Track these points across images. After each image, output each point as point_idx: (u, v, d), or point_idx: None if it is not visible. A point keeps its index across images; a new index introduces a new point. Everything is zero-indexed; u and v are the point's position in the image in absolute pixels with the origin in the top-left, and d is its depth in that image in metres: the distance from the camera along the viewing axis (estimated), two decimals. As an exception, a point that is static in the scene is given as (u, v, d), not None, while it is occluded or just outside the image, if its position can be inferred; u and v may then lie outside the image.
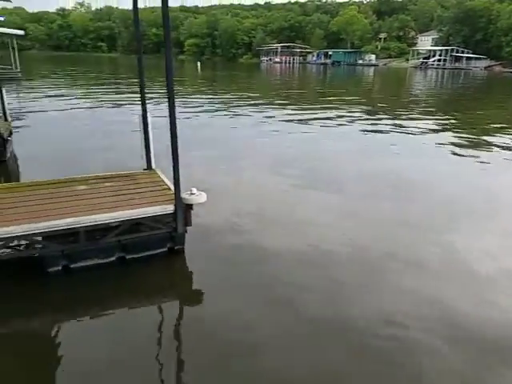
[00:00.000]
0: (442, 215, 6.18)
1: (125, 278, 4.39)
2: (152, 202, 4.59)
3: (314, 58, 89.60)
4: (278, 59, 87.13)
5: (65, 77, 34.03)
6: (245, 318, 3.75)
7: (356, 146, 10.86)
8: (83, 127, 12.62)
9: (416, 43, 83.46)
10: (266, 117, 15.74)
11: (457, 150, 10.60)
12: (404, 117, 16.30)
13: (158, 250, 4.68)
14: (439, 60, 69.44)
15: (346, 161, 9.31)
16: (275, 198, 6.86)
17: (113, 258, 4.51)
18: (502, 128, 14.14)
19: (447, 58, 68.57)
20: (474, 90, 32.77)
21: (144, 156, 5.77)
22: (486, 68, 61.26)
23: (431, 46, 76.47)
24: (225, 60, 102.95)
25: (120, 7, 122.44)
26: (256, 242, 5.21)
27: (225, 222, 5.74)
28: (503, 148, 10.82)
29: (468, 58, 65.83)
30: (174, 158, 4.43)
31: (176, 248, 4.76)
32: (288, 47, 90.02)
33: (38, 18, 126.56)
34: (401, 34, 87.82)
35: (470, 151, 10.50)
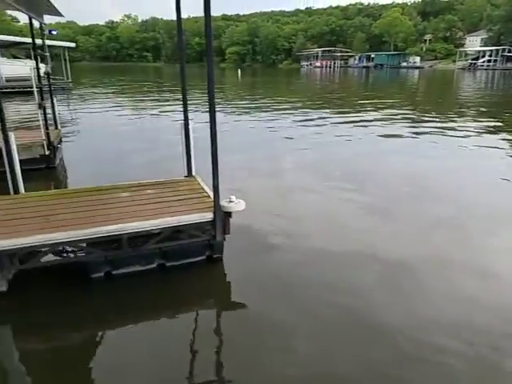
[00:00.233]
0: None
1: (165, 285, 4.40)
2: (191, 210, 4.58)
3: (356, 62, 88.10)
4: (318, 64, 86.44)
5: (112, 85, 35.56)
6: (287, 331, 3.62)
7: (404, 149, 10.48)
8: (127, 133, 13.07)
9: (464, 44, 79.99)
10: (307, 119, 15.59)
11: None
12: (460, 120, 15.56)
13: (197, 258, 4.66)
14: (489, 61, 66.18)
15: (395, 168, 8.94)
16: (321, 206, 6.68)
17: (153, 265, 4.53)
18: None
19: (498, 59, 65.19)
20: (529, 91, 30.82)
21: (185, 163, 5.81)
22: (541, 68, 57.65)
23: (480, 46, 72.91)
24: (265, 66, 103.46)
25: (165, 18, 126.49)
26: (298, 251, 5.08)
27: (265, 230, 5.63)
28: None
29: (521, 58, 62.25)
30: (213, 166, 4.40)
31: (214, 256, 4.72)
32: (329, 51, 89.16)
33: (89, 30, 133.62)
34: (447, 34, 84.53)
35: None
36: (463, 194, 7.27)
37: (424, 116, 17.33)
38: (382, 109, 19.22)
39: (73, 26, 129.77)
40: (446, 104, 22.68)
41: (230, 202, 4.47)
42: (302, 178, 8.25)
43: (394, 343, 3.47)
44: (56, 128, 9.13)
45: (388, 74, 59.10)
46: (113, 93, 28.80)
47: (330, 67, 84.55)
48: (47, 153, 8.06)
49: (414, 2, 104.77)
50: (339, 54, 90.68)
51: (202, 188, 5.32)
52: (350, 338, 3.54)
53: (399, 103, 21.89)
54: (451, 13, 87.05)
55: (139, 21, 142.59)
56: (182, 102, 5.67)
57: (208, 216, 4.48)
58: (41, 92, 8.02)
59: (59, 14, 7.48)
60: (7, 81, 24.19)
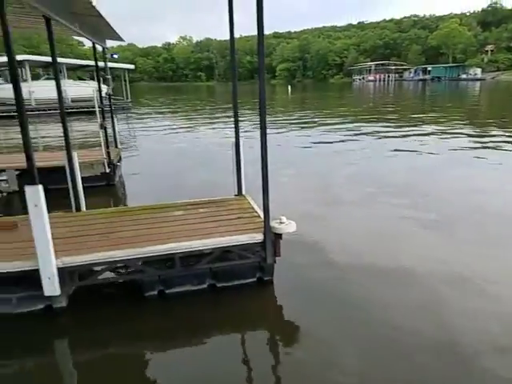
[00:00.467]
0: None
1: (215, 306, 4.37)
2: (241, 230, 4.55)
3: (412, 75, 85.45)
4: (371, 77, 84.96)
5: (167, 104, 37.18)
6: (344, 361, 3.43)
7: (463, 164, 9.86)
8: (181, 150, 13.48)
9: (530, 53, 74.99)
10: (358, 133, 15.24)
11: None
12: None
13: (248, 280, 4.60)
14: (561, 69, 61.30)
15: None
16: (375, 222, 6.43)
17: (204, 285, 4.53)
18: None
19: None
20: None
21: (235, 181, 5.83)
22: None
23: (550, 54, 67.96)
24: (315, 81, 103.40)
25: (218, 39, 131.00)
26: (353, 271, 4.88)
27: (318, 248, 5.48)
28: None
29: None
30: (263, 186, 4.33)
31: (265, 279, 4.63)
32: (382, 65, 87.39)
33: (147, 52, 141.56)
34: (511, 44, 79.78)
35: None
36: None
37: (486, 131, 16.31)
38: (440, 123, 18.36)
39: (132, 49, 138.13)
40: (511, 118, 21.19)
41: (281, 223, 4.38)
42: (354, 193, 8.01)
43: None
44: (116, 147, 9.61)
45: (446, 87, 56.62)
46: (168, 111, 30.09)
47: (384, 81, 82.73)
48: (107, 170, 8.49)
49: (474, 12, 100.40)
50: (393, 68, 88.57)
51: (252, 207, 5.29)
52: (414, 365, 3.29)
53: (459, 117, 20.80)
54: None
55: (194, 42, 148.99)
56: (233, 120, 5.72)
57: (258, 237, 4.42)
58: (102, 112, 8.49)
59: (120, 39, 7.94)
60: (73, 101, 26.07)
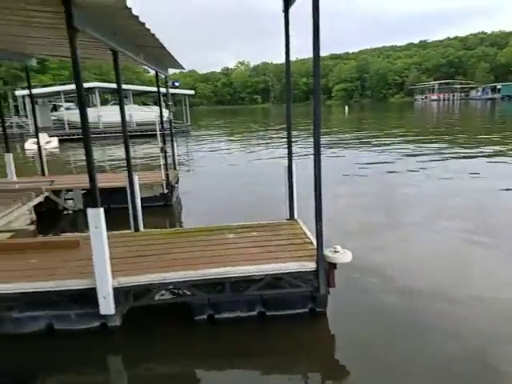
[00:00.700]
0: None
1: (264, 335, 4.23)
2: (292, 257, 4.42)
3: (479, 93, 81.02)
4: (434, 97, 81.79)
5: (224, 127, 38.32)
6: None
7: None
8: (236, 172, 13.73)
9: None
10: (419, 154, 14.54)
11: None
12: None
13: (299, 310, 4.42)
14: None
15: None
16: (440, 249, 6.04)
17: (254, 313, 4.42)
18: None
19: None
20: None
21: (287, 205, 5.73)
22: None
23: None
24: (374, 101, 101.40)
25: (274, 62, 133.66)
26: (419, 308, 4.51)
27: (379, 278, 5.18)
28: None
29: None
30: (316, 211, 4.16)
31: (317, 310, 4.42)
32: (446, 84, 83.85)
33: (207, 78, 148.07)
34: None
35: None
36: None
37: None
38: (510, 144, 17.05)
39: (193, 75, 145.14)
40: None
41: (335, 251, 4.19)
42: (414, 214, 7.58)
43: None
44: (174, 169, 9.98)
45: (519, 106, 52.88)
46: (224, 133, 30.98)
47: (448, 100, 79.19)
48: (166, 191, 8.80)
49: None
50: (458, 86, 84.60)
51: (304, 233, 5.15)
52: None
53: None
54: None
55: (251, 66, 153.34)
56: (286, 143, 5.68)
57: (310, 266, 4.25)
58: (163, 136, 8.88)
59: (181, 67, 8.33)
60: (137, 125, 27.79)
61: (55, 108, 31.58)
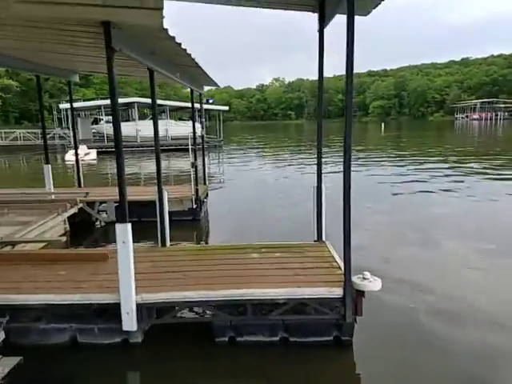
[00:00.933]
0: None
1: (286, 362, 4.07)
2: (318, 282, 4.26)
3: (524, 113, 77.57)
4: (476, 116, 79.15)
5: (256, 142, 38.57)
6: None
7: None
8: (266, 187, 13.72)
9: None
10: (458, 174, 13.98)
11: None
12: None
13: (323, 338, 4.23)
14: None
15: None
16: (480, 282, 5.70)
17: (276, 338, 4.27)
18: None
19: None
20: None
21: (315, 226, 5.59)
22: None
23: None
24: (411, 119, 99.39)
25: (310, 79, 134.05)
26: (459, 344, 4.24)
27: (411, 309, 4.93)
28: None
29: None
30: (345, 235, 4.00)
31: (343, 339, 4.22)
32: (489, 102, 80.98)
33: (242, 94, 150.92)
34: None
35: None
36: None
37: None
38: None
39: (229, 91, 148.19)
40: None
41: (364, 278, 4.01)
42: (453, 243, 7.22)
43: None
44: (204, 183, 10.07)
45: None
46: (256, 148, 31.15)
47: (491, 119, 76.27)
48: (194, 206, 8.87)
49: None
50: (502, 106, 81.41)
51: (332, 256, 4.98)
52: None
53: None
54: None
55: (286, 82, 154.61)
56: (316, 162, 5.57)
57: (336, 292, 4.09)
58: (195, 152, 9.01)
59: (216, 85, 8.48)
60: (172, 139, 28.52)
61: (96, 121, 32.97)
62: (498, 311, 4.88)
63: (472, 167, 16.90)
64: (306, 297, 4.11)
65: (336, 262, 4.78)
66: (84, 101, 35.75)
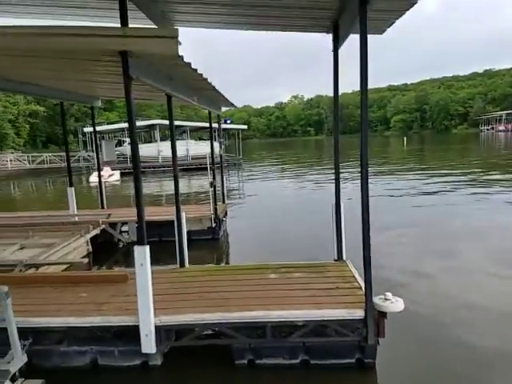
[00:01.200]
0: None
1: (306, 385, 3.99)
2: (338, 303, 4.17)
3: (552, 124, 75.36)
4: (502, 127, 77.35)
5: (275, 159, 38.69)
6: None
7: None
8: (284, 205, 13.64)
9: None
10: (487, 193, 13.52)
11: None
12: None
13: (345, 360, 4.12)
14: None
15: None
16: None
17: (297, 360, 4.18)
18: None
19: None
20: None
21: (335, 245, 5.51)
22: None
23: None
24: (434, 132, 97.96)
25: (329, 95, 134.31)
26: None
27: (437, 330, 4.76)
28: None
29: None
30: (365, 254, 3.93)
31: (365, 361, 4.09)
32: (515, 113, 79.06)
33: (261, 112, 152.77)
34: None
35: None
36: None
37: None
38: None
39: (248, 109, 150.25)
40: None
41: (385, 299, 3.90)
42: (480, 262, 6.95)
43: None
44: (223, 202, 10.12)
45: None
46: (275, 166, 31.23)
47: (518, 131, 74.33)
48: (213, 225, 8.91)
49: None
50: (529, 116, 79.30)
51: (353, 276, 4.88)
52: None
53: None
54: None
55: (305, 99, 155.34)
56: (334, 179, 5.54)
57: (357, 313, 3.99)
58: (213, 172, 9.10)
59: (233, 106, 8.60)
60: (193, 159, 29.01)
61: (120, 143, 33.89)
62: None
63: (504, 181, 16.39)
64: (326, 318, 4.03)
65: (357, 282, 4.69)
66: (108, 124, 36.94)
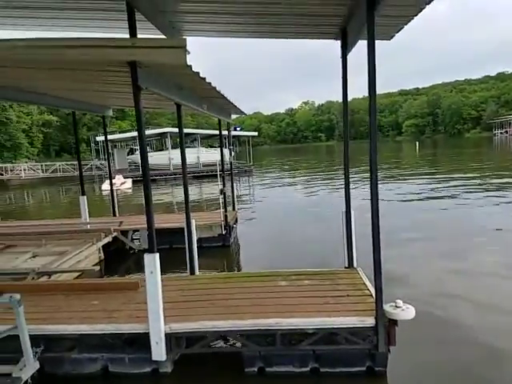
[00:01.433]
0: None
1: (317, 395, 3.95)
2: (348, 311, 4.13)
3: None
4: (515, 131, 76.20)
5: (285, 165, 38.65)
6: None
7: None
8: (295, 212, 13.58)
9: None
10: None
11: None
12: None
13: (356, 368, 4.07)
14: None
15: None
16: None
17: (307, 368, 4.15)
18: None
19: None
20: None
21: (345, 252, 5.47)
22: None
23: None
24: (447, 137, 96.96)
25: (340, 101, 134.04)
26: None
27: (450, 335, 4.70)
28: None
29: None
30: (375, 262, 3.90)
31: (376, 369, 4.04)
32: (529, 116, 77.92)
33: (271, 119, 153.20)
34: None
35: None
36: None
37: None
38: None
39: (258, 116, 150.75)
40: None
41: (396, 307, 3.85)
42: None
43: None
44: (233, 209, 10.15)
45: None
46: (286, 172, 31.22)
47: (532, 134, 73.15)
48: (224, 232, 8.93)
49: None
50: (544, 119, 78.01)
51: (364, 283, 4.83)
52: None
53: None
54: None
55: (316, 105, 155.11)
56: (344, 186, 5.52)
57: (368, 321, 3.94)
58: (223, 179, 9.15)
59: (242, 113, 8.65)
60: (204, 166, 29.20)
61: (132, 151, 34.27)
62: None
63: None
64: (336, 326, 3.99)
65: (368, 289, 4.64)
66: (120, 132, 37.44)
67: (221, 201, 8.79)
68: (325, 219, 11.45)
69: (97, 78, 5.09)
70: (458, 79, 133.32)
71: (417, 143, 53.30)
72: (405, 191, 15.76)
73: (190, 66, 4.02)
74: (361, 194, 12.56)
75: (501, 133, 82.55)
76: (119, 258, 8.74)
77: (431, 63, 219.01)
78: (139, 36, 4.01)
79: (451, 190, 15.76)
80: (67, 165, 35.63)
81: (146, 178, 4.17)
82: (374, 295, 4.14)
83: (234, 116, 10.07)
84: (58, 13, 4.94)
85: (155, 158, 28.64)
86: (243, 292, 4.92)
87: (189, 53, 3.84)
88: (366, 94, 3.88)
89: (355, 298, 4.47)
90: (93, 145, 38.40)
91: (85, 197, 9.47)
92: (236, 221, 10.03)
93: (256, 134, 42.13)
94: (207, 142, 39.78)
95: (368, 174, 3.92)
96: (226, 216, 8.87)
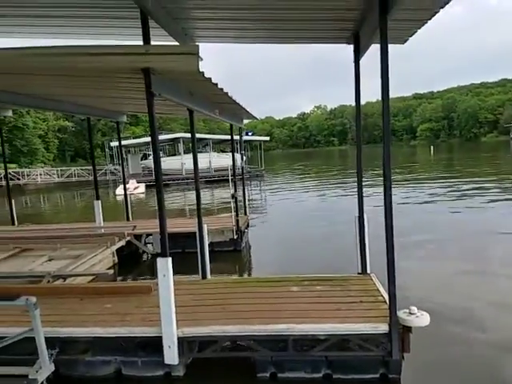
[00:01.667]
0: None
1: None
2: (361, 317, 4.09)
3: None
4: (533, 135, 74.76)
5: (297, 170, 38.57)
6: None
7: None
8: (307, 217, 13.52)
9: None
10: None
11: None
12: None
13: (369, 375, 4.02)
14: None
15: None
16: None
17: (319, 374, 4.11)
18: None
19: None
20: None
21: (358, 258, 5.42)
22: None
23: None
24: (462, 141, 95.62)
25: (352, 105, 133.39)
26: None
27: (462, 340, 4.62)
28: None
29: None
30: (389, 268, 3.86)
31: (390, 376, 3.98)
32: (547, 120, 76.37)
33: (283, 123, 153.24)
34: None
35: None
36: None
37: None
38: None
39: (270, 121, 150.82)
40: None
41: (410, 313, 3.80)
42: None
43: None
44: (245, 214, 10.16)
45: None
46: (297, 177, 31.16)
47: (550, 137, 71.64)
48: (235, 237, 8.95)
49: None
50: None
51: (378, 290, 4.78)
52: None
53: None
54: None
55: (328, 110, 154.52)
56: (356, 192, 5.48)
57: (381, 328, 3.89)
58: (235, 184, 9.19)
59: (254, 118, 8.69)
60: (215, 171, 29.35)
61: (145, 156, 34.66)
62: None
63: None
64: (349, 333, 3.96)
65: (381, 295, 4.59)
66: (134, 138, 37.91)
67: (232, 205, 8.82)
68: (337, 224, 11.38)
69: (111, 85, 5.18)
70: (473, 82, 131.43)
71: (431, 147, 52.72)
72: (416, 195, 15.58)
73: (203, 73, 4.06)
74: (374, 199, 12.44)
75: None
76: (133, 262, 8.83)
77: (446, 66, 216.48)
78: (152, 43, 4.07)
79: (467, 194, 15.51)
80: (82, 170, 36.20)
81: (158, 182, 4.22)
82: (387, 301, 4.09)
83: (245, 121, 10.12)
84: (72, 21, 5.05)
85: (168, 163, 28.88)
86: (255, 297, 4.92)
87: (201, 59, 3.89)
88: (380, 98, 3.86)
89: (368, 304, 4.43)
90: (107, 150, 38.95)
91: (99, 201, 9.61)
92: (247, 225, 10.04)
93: (268, 138, 42.38)
94: (219, 146, 40.02)
95: (382, 178, 3.89)
96: (237, 221, 8.89)
